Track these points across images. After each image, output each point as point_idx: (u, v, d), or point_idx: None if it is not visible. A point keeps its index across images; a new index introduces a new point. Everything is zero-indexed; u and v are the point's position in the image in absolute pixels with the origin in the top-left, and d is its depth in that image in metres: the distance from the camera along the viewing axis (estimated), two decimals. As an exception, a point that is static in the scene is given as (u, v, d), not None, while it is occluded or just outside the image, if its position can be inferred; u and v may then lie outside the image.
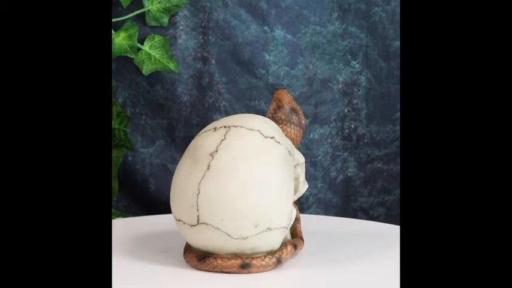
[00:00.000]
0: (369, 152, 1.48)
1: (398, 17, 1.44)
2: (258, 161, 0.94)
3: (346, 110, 1.46)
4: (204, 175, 0.93)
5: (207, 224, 0.93)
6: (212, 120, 1.40)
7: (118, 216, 1.42)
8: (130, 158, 1.45)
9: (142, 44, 1.40)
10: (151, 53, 1.40)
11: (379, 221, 1.46)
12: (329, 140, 1.46)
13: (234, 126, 0.96)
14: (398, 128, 1.47)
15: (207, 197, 0.93)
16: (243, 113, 1.41)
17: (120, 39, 1.39)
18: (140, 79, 1.43)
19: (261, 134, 0.96)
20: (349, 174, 1.47)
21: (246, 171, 0.93)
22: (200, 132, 0.99)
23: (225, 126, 0.96)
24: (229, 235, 0.93)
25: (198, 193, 0.93)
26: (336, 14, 1.43)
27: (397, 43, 1.45)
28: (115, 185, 1.41)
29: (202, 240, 0.95)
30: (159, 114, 1.44)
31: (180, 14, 1.41)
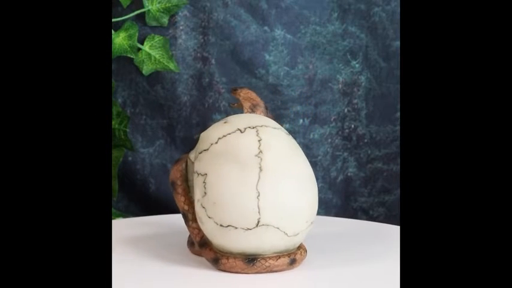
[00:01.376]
0: (369, 152, 1.47)
1: (398, 17, 1.44)
2: (298, 157, 0.97)
3: (346, 110, 1.46)
4: (259, 177, 0.94)
5: (267, 225, 0.93)
6: (212, 120, 1.40)
7: (118, 216, 1.42)
8: (130, 158, 1.45)
9: (142, 44, 1.40)
10: (151, 53, 1.40)
11: (379, 221, 1.46)
12: (329, 140, 1.46)
13: (259, 126, 0.97)
14: (398, 128, 1.47)
15: (267, 199, 0.93)
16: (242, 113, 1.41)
17: (120, 39, 1.39)
18: (140, 79, 1.43)
19: (283, 131, 0.99)
20: (349, 174, 1.47)
21: (295, 169, 0.96)
22: (218, 135, 0.97)
23: (250, 127, 0.97)
24: (285, 233, 0.95)
25: (258, 195, 0.93)
26: (336, 14, 1.43)
27: (397, 43, 1.45)
28: (115, 185, 1.41)
29: (256, 242, 0.94)
30: (159, 114, 1.44)
31: (180, 14, 1.41)
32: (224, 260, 0.96)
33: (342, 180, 1.47)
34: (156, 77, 1.43)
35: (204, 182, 0.95)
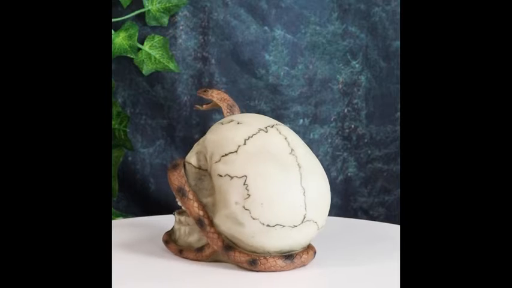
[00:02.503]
0: (369, 152, 1.48)
1: (398, 17, 1.44)
2: (312, 153, 1.01)
3: (346, 110, 1.46)
4: (301, 174, 0.96)
5: (310, 220, 0.96)
6: (212, 120, 1.40)
7: (118, 216, 1.42)
8: (130, 158, 1.45)
9: (142, 44, 1.40)
10: (151, 53, 1.40)
11: (379, 221, 1.46)
12: (329, 140, 1.46)
13: (276, 124, 1.00)
14: (398, 128, 1.47)
15: (311, 195, 0.96)
16: (243, 113, 1.41)
17: (120, 39, 1.39)
18: (140, 79, 1.43)
19: (291, 129, 1.02)
20: (349, 174, 1.47)
21: (318, 164, 1.00)
22: (243, 137, 0.97)
23: (269, 126, 0.99)
24: (318, 227, 0.98)
25: (304, 192, 0.95)
26: (336, 14, 1.43)
27: (397, 43, 1.45)
28: (115, 185, 1.41)
29: (297, 238, 0.97)
30: (159, 114, 1.44)
31: (180, 14, 1.41)
32: (263, 260, 0.96)
33: (342, 180, 1.47)
34: (156, 77, 1.43)
35: (245, 184, 0.94)
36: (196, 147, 1.00)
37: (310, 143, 1.44)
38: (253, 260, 0.96)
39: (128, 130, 1.40)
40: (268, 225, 0.94)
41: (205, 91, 1.06)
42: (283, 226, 0.94)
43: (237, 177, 0.94)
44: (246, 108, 1.42)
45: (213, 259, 1.00)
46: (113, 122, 1.39)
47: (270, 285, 0.94)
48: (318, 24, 1.42)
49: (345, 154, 1.47)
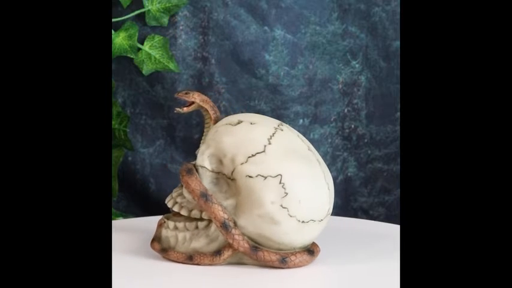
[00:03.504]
0: (369, 152, 1.47)
1: (398, 17, 1.44)
2: None
3: (346, 110, 1.46)
4: (323, 170, 1.00)
5: (329, 214, 1.01)
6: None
7: (118, 216, 1.42)
8: (130, 158, 1.45)
9: (142, 44, 1.40)
10: (151, 53, 1.40)
11: (379, 221, 1.46)
12: (329, 140, 1.46)
13: (281, 124, 1.02)
14: (398, 128, 1.47)
15: (332, 189, 1.01)
16: (242, 112, 1.41)
17: (120, 39, 1.39)
18: (140, 79, 1.43)
19: None
20: (349, 174, 1.47)
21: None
22: (266, 136, 0.98)
23: (281, 124, 1.01)
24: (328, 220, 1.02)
25: (328, 187, 1.00)
26: (336, 14, 1.43)
27: (397, 43, 1.45)
28: (115, 185, 1.41)
29: (318, 232, 1.00)
30: (159, 114, 1.44)
31: (180, 14, 1.41)
32: (293, 257, 0.98)
33: (342, 180, 1.47)
34: (156, 77, 1.43)
35: (281, 183, 0.95)
36: (207, 150, 0.99)
37: (310, 143, 1.44)
38: (283, 258, 0.98)
39: (128, 130, 1.40)
40: (303, 222, 0.97)
41: (186, 93, 1.04)
42: (314, 221, 0.98)
43: (271, 176, 0.95)
44: (246, 108, 1.42)
45: (228, 261, 0.99)
46: (113, 122, 1.39)
47: (271, 283, 0.94)
48: (318, 24, 1.42)
49: (345, 154, 1.47)
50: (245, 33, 1.41)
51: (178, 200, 1.01)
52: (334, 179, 1.46)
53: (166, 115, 1.44)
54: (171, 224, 1.01)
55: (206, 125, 1.06)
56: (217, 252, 0.99)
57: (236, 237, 0.97)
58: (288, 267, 0.98)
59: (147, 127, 1.45)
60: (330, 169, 1.45)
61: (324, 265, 1.00)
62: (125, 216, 1.42)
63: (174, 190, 1.03)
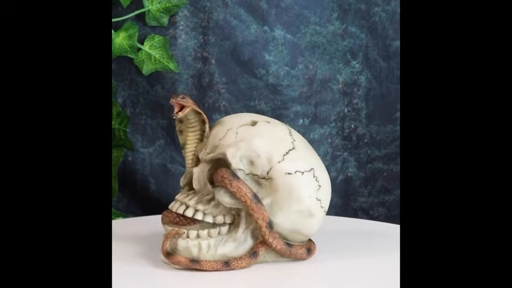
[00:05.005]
0: (369, 152, 1.48)
1: (398, 17, 1.44)
2: None
3: (346, 110, 1.46)
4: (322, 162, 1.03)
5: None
6: (212, 120, 1.40)
7: (118, 216, 1.42)
8: (130, 158, 1.45)
9: (142, 44, 1.40)
10: (151, 53, 1.40)
11: (379, 221, 1.46)
12: (329, 140, 1.46)
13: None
14: (398, 128, 1.47)
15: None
16: (242, 112, 1.41)
17: (120, 39, 1.39)
18: (140, 79, 1.43)
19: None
20: (349, 174, 1.47)
21: None
22: (288, 133, 1.00)
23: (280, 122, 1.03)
24: None
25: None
26: (336, 14, 1.43)
27: (397, 43, 1.45)
28: (115, 185, 1.41)
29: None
30: (159, 114, 1.44)
31: (180, 14, 1.41)
32: (312, 247, 1.03)
33: (342, 180, 1.47)
34: (156, 77, 1.43)
35: (314, 176, 0.98)
36: (238, 153, 0.97)
37: (310, 143, 1.44)
38: (308, 249, 1.02)
39: (128, 130, 1.40)
40: (325, 211, 1.01)
41: (183, 98, 1.00)
42: (326, 210, 1.01)
43: (306, 171, 0.97)
44: (246, 108, 1.42)
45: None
46: (113, 122, 1.39)
47: (269, 280, 0.94)
48: (318, 24, 1.42)
49: (345, 154, 1.47)
50: (245, 33, 1.41)
51: (200, 207, 0.98)
52: (334, 179, 1.46)
53: (166, 115, 1.44)
54: (192, 233, 0.98)
55: (193, 129, 1.02)
56: (253, 254, 0.98)
57: (276, 235, 0.98)
58: (310, 257, 1.02)
59: (147, 127, 1.45)
60: (329, 169, 1.46)
61: (324, 265, 1.00)
62: (125, 216, 1.43)
63: (185, 198, 0.99)
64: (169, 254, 0.97)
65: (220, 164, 0.98)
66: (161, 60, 1.40)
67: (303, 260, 1.01)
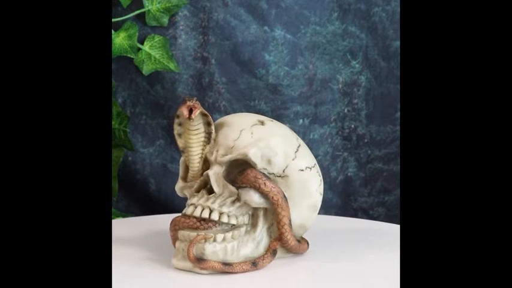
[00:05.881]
0: (369, 152, 1.48)
1: (398, 17, 1.44)
2: None
3: (346, 110, 1.46)
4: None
5: None
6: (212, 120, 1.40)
7: (118, 216, 1.42)
8: (130, 158, 1.45)
9: (142, 44, 1.40)
10: (151, 53, 1.40)
11: (379, 221, 1.46)
12: (329, 140, 1.46)
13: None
14: (398, 128, 1.47)
15: None
16: (242, 112, 1.41)
17: (120, 39, 1.39)
18: (140, 79, 1.43)
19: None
20: (349, 174, 1.47)
21: None
22: (291, 131, 1.02)
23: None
24: None
25: None
26: (336, 14, 1.43)
27: (397, 43, 1.45)
28: (115, 185, 1.41)
29: None
30: (159, 114, 1.44)
31: (180, 14, 1.41)
32: (306, 242, 1.05)
33: (342, 180, 1.47)
34: (156, 77, 1.43)
35: (317, 171, 1.01)
36: (258, 152, 0.97)
37: (310, 143, 1.44)
38: (307, 243, 1.04)
39: (128, 130, 1.40)
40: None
41: (196, 100, 0.98)
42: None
43: (313, 167, 1.00)
44: (246, 108, 1.42)
45: None
46: (113, 122, 1.39)
47: (269, 279, 0.94)
48: (318, 24, 1.42)
49: (345, 154, 1.47)
50: (245, 33, 1.41)
51: (225, 209, 0.96)
52: (334, 179, 1.46)
53: (166, 115, 1.44)
54: (220, 236, 0.96)
55: (196, 131, 0.98)
56: (273, 252, 0.99)
57: (292, 233, 1.00)
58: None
59: (147, 127, 1.45)
60: (329, 169, 1.46)
61: (324, 264, 1.00)
62: (125, 216, 1.43)
63: (206, 202, 0.97)
64: (201, 260, 0.95)
65: (234, 165, 0.97)
66: (161, 60, 1.40)
67: (303, 254, 1.03)
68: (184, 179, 1.01)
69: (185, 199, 1.01)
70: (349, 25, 1.43)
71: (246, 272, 0.96)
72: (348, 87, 1.45)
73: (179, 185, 1.01)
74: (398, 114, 1.47)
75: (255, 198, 0.97)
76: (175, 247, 0.99)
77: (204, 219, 0.96)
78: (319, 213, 1.03)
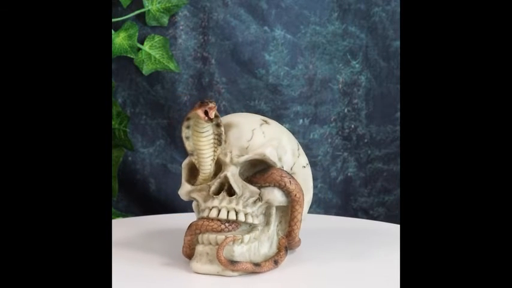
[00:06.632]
0: (369, 152, 1.48)
1: (398, 17, 1.44)
2: None
3: (346, 110, 1.46)
4: None
5: None
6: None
7: (118, 216, 1.42)
8: (130, 158, 1.45)
9: (142, 44, 1.40)
10: (151, 53, 1.40)
11: (379, 221, 1.46)
12: (329, 140, 1.46)
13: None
14: (398, 128, 1.47)
15: None
16: (242, 112, 1.41)
17: (120, 39, 1.39)
18: (140, 79, 1.43)
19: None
20: (349, 174, 1.47)
21: None
22: (285, 129, 1.03)
23: None
24: None
25: None
26: (336, 14, 1.43)
27: (397, 43, 1.45)
28: (115, 185, 1.41)
29: None
30: (159, 114, 1.44)
31: (180, 14, 1.41)
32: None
33: (342, 180, 1.47)
34: (156, 77, 1.43)
35: (310, 167, 1.03)
36: (274, 151, 0.97)
37: (310, 143, 1.44)
38: (300, 239, 1.04)
39: (128, 130, 1.40)
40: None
41: (211, 101, 0.96)
42: None
43: (308, 163, 1.02)
44: (246, 108, 1.42)
45: None
46: (113, 122, 1.39)
47: (269, 278, 0.94)
48: (318, 24, 1.42)
49: (345, 154, 1.47)
50: (245, 33, 1.41)
51: (248, 210, 0.96)
52: (334, 179, 1.46)
53: (166, 115, 1.44)
54: (247, 237, 0.96)
55: (206, 133, 0.95)
56: (285, 249, 0.99)
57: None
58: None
59: (147, 127, 1.45)
60: (329, 169, 1.46)
61: (324, 264, 1.00)
62: (125, 216, 1.43)
63: (229, 204, 0.96)
64: (234, 262, 0.95)
65: (248, 165, 0.97)
66: (161, 60, 1.40)
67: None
68: (190, 182, 0.99)
69: (185, 201, 1.01)
70: (349, 25, 1.43)
71: (270, 270, 0.97)
72: (348, 87, 1.45)
73: (186, 189, 0.99)
74: (398, 114, 1.47)
75: (278, 197, 0.97)
76: (186, 251, 0.98)
77: (228, 221, 0.95)
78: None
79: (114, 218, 1.38)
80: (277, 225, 1.00)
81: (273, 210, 0.98)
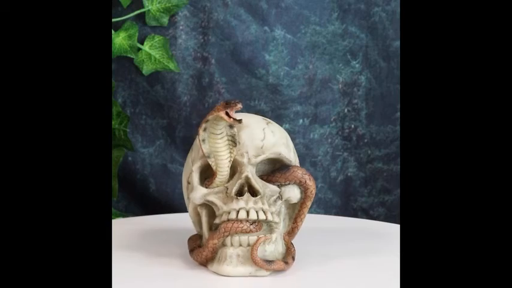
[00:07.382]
0: (369, 152, 1.48)
1: (398, 17, 1.44)
2: None
3: (346, 110, 1.46)
4: None
5: None
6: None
7: (118, 216, 1.42)
8: (130, 158, 1.45)
9: (142, 44, 1.40)
10: (151, 53, 1.40)
11: (379, 221, 1.46)
12: (329, 140, 1.46)
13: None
14: (398, 128, 1.47)
15: None
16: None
17: (120, 39, 1.39)
18: (140, 79, 1.43)
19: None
20: (349, 174, 1.47)
21: None
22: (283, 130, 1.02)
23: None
24: None
25: None
26: (336, 14, 1.43)
27: (397, 43, 1.45)
28: (115, 185, 1.41)
29: None
30: (159, 114, 1.44)
31: (180, 14, 1.41)
32: None
33: (342, 180, 1.47)
34: (156, 77, 1.43)
35: None
36: (286, 149, 0.98)
37: (310, 143, 1.44)
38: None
39: (128, 130, 1.40)
40: None
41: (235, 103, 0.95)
42: None
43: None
44: (246, 109, 1.42)
45: None
46: (113, 122, 1.39)
47: (266, 282, 0.94)
48: (318, 24, 1.42)
49: (345, 154, 1.47)
50: (245, 33, 1.41)
51: (273, 209, 0.96)
52: (334, 179, 1.47)
53: (166, 115, 1.44)
54: (273, 236, 0.97)
55: (221, 135, 0.94)
56: (292, 244, 1.00)
57: None
58: None
59: (147, 127, 1.45)
60: (329, 169, 1.46)
61: (324, 264, 1.00)
62: (125, 216, 1.43)
63: (255, 204, 0.95)
64: (270, 262, 0.95)
65: (261, 164, 0.97)
66: (161, 60, 1.40)
67: None
68: (205, 185, 0.97)
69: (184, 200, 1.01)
70: (349, 25, 1.43)
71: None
72: (348, 87, 1.45)
73: (201, 192, 0.96)
74: (398, 114, 1.47)
75: (297, 194, 0.98)
76: (206, 255, 0.97)
77: (253, 222, 0.95)
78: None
79: (114, 218, 1.38)
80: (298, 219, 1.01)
81: (283, 208, 0.99)
